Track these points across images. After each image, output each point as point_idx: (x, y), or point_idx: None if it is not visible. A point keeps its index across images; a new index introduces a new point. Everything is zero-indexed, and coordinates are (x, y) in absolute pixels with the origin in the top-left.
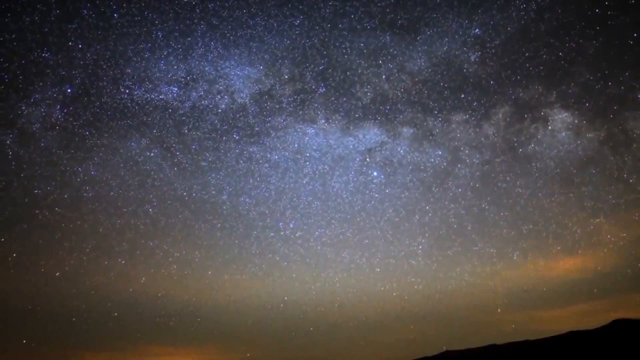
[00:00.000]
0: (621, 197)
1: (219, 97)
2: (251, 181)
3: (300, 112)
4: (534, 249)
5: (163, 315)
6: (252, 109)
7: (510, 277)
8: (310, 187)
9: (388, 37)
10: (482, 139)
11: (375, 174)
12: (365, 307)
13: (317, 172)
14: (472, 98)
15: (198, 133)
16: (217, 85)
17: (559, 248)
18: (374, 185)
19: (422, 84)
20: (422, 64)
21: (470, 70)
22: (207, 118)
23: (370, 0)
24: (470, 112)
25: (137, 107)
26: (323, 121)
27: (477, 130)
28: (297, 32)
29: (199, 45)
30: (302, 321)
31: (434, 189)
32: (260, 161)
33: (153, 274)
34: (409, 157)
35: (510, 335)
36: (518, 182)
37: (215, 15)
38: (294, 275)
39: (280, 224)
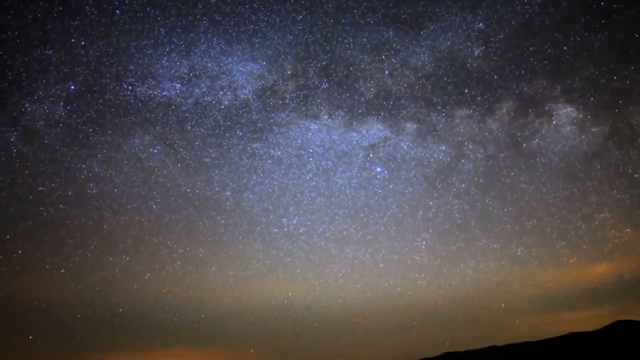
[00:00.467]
0: (626, 192)
1: (221, 93)
2: (254, 177)
3: (303, 108)
4: (538, 244)
5: (167, 312)
6: (255, 105)
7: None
8: (313, 183)
9: (391, 32)
10: (486, 134)
11: (378, 169)
12: (369, 302)
13: (320, 168)
14: (476, 93)
15: (201, 129)
16: (220, 82)
17: (563, 243)
18: (377, 181)
19: (426, 79)
20: (426, 58)
21: (474, 65)
22: (210, 114)
23: None
24: (474, 107)
25: (140, 104)
26: (326, 117)
27: (481, 125)
28: (300, 27)
29: (202, 41)
30: (305, 317)
31: (437, 184)
32: (264, 157)
33: (157, 270)
34: (412, 152)
35: (511, 333)
36: (522, 178)
37: (218, 11)
38: (297, 271)
39: (284, 220)
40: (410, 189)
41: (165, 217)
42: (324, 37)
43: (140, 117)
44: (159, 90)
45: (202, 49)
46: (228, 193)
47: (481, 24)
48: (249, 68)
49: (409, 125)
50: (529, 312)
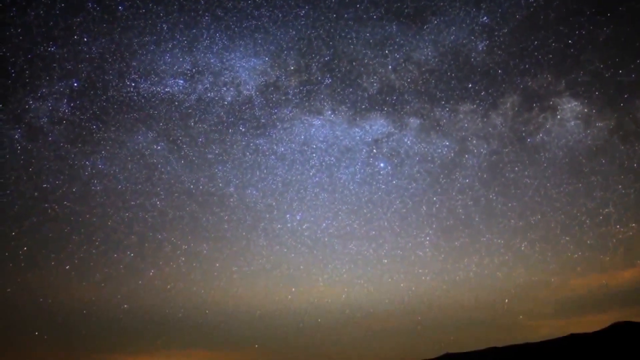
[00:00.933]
0: (631, 187)
1: (224, 89)
2: (258, 173)
3: (307, 104)
4: (542, 239)
5: (172, 307)
6: (258, 100)
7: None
8: (317, 178)
9: (394, 27)
10: (490, 129)
11: (382, 165)
12: (373, 298)
13: (323, 163)
14: (480, 88)
15: (204, 126)
16: (223, 78)
17: (567, 238)
18: (380, 177)
19: (429, 74)
20: (429, 53)
21: (478, 59)
22: (213, 110)
23: None
24: (477, 101)
25: (143, 101)
26: (329, 112)
27: (485, 120)
28: (303, 22)
29: (204, 37)
30: (309, 313)
31: (441, 179)
32: (267, 153)
33: (162, 267)
34: (416, 147)
35: (512, 333)
36: (526, 173)
37: (220, 6)
38: (301, 267)
39: (288, 215)
40: (414, 185)
41: (169, 213)
42: (326, 32)
43: (144, 114)
44: (161, 87)
45: (205, 45)
46: (231, 189)
47: (485, 18)
48: (251, 64)
49: (412, 120)
50: (532, 308)
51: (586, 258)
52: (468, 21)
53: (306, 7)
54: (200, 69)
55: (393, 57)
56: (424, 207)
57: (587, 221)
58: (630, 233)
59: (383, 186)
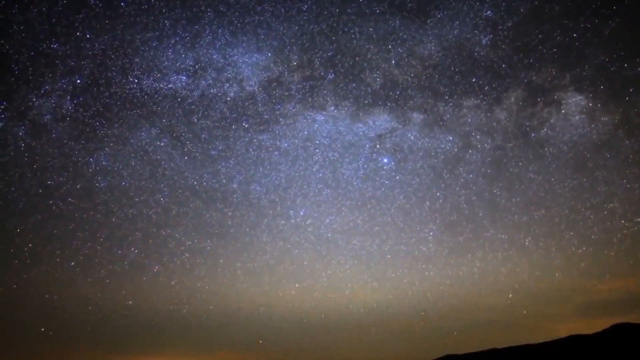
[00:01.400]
0: (636, 182)
1: (227, 85)
2: (261, 169)
3: (310, 99)
4: (546, 235)
5: (176, 303)
6: (261, 96)
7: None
8: (320, 174)
9: (397, 21)
10: (494, 123)
11: (385, 160)
12: (376, 293)
13: (327, 159)
14: (484, 82)
15: (207, 122)
16: (226, 73)
17: (571, 234)
18: (384, 172)
19: (433, 69)
20: (433, 48)
21: (482, 53)
22: (217, 106)
23: None
24: (481, 96)
25: (146, 97)
26: (332, 108)
27: (489, 115)
28: (305, 17)
29: (207, 33)
30: (313, 308)
31: (444, 175)
32: (270, 149)
33: (166, 263)
34: (419, 143)
35: (512, 332)
36: (530, 168)
37: (222, 2)
38: (305, 263)
39: (291, 211)
40: (418, 180)
41: (173, 209)
42: (329, 27)
43: (147, 110)
44: (164, 83)
45: (207, 40)
46: (235, 185)
47: (489, 12)
48: (254, 59)
49: (415, 115)
50: (536, 304)
51: (590, 253)
52: (472, 15)
53: (309, 2)
54: (203, 65)
55: (396, 52)
56: (427, 202)
57: (592, 216)
58: (635, 228)
59: (386, 182)
